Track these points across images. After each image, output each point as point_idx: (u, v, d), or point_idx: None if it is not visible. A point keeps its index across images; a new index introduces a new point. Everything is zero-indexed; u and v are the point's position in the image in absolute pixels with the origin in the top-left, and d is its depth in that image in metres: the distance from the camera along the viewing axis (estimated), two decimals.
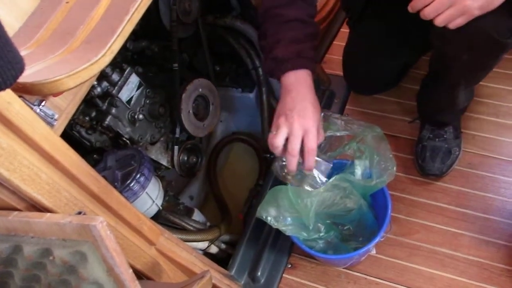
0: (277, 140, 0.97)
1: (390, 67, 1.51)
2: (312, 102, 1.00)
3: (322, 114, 1.09)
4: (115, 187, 1.05)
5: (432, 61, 1.33)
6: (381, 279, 1.30)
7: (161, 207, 1.14)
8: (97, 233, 0.62)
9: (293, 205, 1.04)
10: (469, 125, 1.49)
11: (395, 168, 1.11)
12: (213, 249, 1.36)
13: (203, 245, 1.32)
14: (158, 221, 1.23)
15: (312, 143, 0.98)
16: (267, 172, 1.47)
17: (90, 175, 0.80)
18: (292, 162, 0.98)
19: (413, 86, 1.59)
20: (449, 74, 1.19)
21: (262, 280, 1.33)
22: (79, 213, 0.68)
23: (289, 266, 1.35)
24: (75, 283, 0.65)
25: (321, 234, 1.15)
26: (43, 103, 0.80)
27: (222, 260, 1.36)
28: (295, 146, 0.97)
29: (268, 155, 1.54)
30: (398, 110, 1.57)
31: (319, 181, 1.08)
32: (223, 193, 1.52)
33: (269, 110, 1.44)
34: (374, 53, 1.43)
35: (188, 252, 1.13)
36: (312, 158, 0.99)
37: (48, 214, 0.68)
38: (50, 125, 0.84)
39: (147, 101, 1.16)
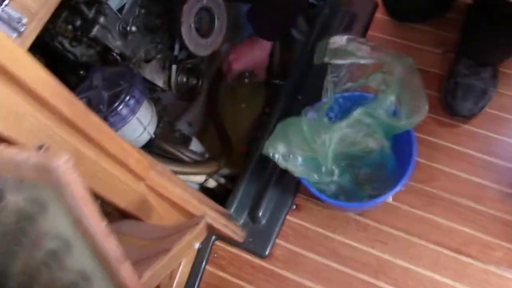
0: None
1: None
2: None
3: (345, 37, 0.93)
4: (100, 110, 0.90)
5: None
6: (394, 229, 1.18)
7: (153, 135, 1.00)
8: (59, 176, 0.47)
9: (308, 142, 0.90)
10: (506, 62, 1.32)
11: (427, 108, 0.96)
12: (211, 184, 1.23)
13: (200, 178, 1.19)
14: (151, 151, 1.09)
15: None
16: (276, 100, 1.31)
17: (63, 96, 0.64)
18: None
19: (450, 14, 1.39)
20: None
21: (263, 221, 1.20)
22: (41, 147, 0.53)
23: (294, 207, 1.22)
24: (34, 236, 0.51)
25: (334, 178, 1.01)
26: (5, 2, 0.65)
27: (220, 196, 1.23)
28: None
29: (278, 81, 1.38)
30: (427, 40, 1.38)
31: None
32: (225, 121, 1.36)
33: None
34: None
35: (182, 188, 1.00)
36: None
37: (2, 145, 0.53)
38: (16, 31, 0.69)
39: (142, 11, 0.98)
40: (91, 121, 0.72)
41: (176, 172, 1.12)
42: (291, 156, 0.93)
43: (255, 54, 1.21)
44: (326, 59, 1.02)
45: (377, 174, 1.07)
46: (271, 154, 0.94)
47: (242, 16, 1.37)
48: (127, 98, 0.89)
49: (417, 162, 1.22)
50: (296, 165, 0.94)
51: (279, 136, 0.94)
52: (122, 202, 0.87)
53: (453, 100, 1.25)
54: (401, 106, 0.99)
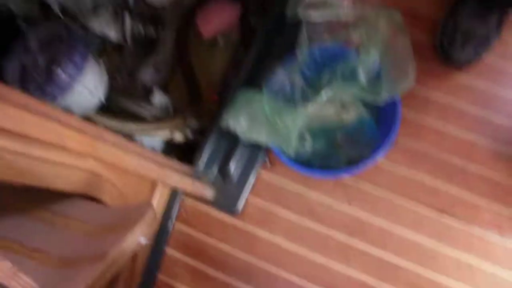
0: None
1: None
2: None
3: None
4: (34, 80, 0.78)
5: None
6: (375, 187, 1.09)
7: (103, 99, 0.88)
8: None
9: (270, 123, 0.79)
10: None
11: (414, 75, 0.84)
12: (178, 137, 1.13)
13: (164, 134, 1.09)
14: (109, 109, 0.99)
15: None
16: (252, 40, 1.16)
17: None
18: None
19: None
20: None
21: (235, 177, 1.12)
22: None
23: (267, 162, 1.13)
24: None
25: (306, 145, 0.91)
26: None
27: (189, 150, 1.14)
28: None
29: (254, 19, 1.22)
30: None
31: None
32: (194, 66, 1.22)
33: None
34: None
35: (137, 154, 0.90)
36: None
37: None
38: None
39: None
40: (8, 115, 0.61)
41: (136, 131, 1.02)
42: (255, 130, 0.82)
43: (224, 18, 1.07)
44: (300, 11, 0.88)
45: (356, 137, 0.97)
46: (232, 127, 0.83)
47: None
48: (66, 63, 0.76)
49: (404, 116, 1.11)
50: (261, 137, 0.84)
51: (241, 108, 0.83)
52: (68, 186, 0.78)
53: (450, 46, 1.10)
54: (384, 68, 0.87)
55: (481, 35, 1.08)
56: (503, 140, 1.09)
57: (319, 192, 1.11)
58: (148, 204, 0.79)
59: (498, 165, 1.08)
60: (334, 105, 0.84)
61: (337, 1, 0.86)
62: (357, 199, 1.09)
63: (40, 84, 0.76)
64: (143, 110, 1.03)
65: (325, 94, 0.81)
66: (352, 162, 0.98)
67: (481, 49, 1.09)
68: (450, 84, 1.12)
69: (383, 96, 0.82)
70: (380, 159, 1.09)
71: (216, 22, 1.10)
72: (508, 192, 1.07)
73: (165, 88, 1.26)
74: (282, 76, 0.93)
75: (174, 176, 1.00)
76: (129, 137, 1.05)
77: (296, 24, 0.94)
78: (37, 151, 0.69)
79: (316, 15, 0.88)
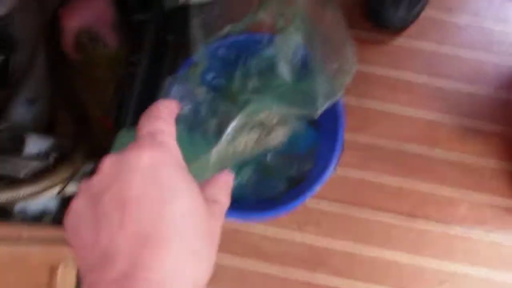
0: None
1: None
2: None
3: None
4: None
5: None
6: (328, 203, 0.88)
7: None
8: None
9: None
10: None
11: (355, 59, 0.62)
12: (74, 188, 0.88)
13: (53, 192, 0.84)
14: None
15: None
16: (141, 43, 0.92)
17: None
18: None
19: None
20: None
21: None
22: None
23: None
24: None
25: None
26: None
27: None
28: None
29: (139, 15, 0.98)
30: None
31: None
32: (78, 88, 0.97)
33: None
34: None
35: (12, 241, 0.66)
36: None
37: None
38: None
39: None
40: None
41: (9, 202, 0.76)
42: None
43: (92, 6, 0.83)
44: None
45: (291, 151, 0.75)
46: None
47: None
48: None
49: (347, 105, 0.91)
50: None
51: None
52: None
53: (379, 5, 0.90)
54: (314, 56, 0.66)
55: None
56: (463, 111, 0.91)
57: (264, 224, 0.89)
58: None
59: (465, 144, 0.89)
60: (254, 130, 0.62)
61: None
62: (308, 222, 0.88)
63: None
64: (14, 170, 0.77)
65: (238, 122, 0.58)
66: (294, 180, 0.77)
67: (416, 6, 0.89)
68: (391, 54, 0.92)
69: (320, 104, 0.60)
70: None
71: (82, 12, 0.85)
72: (483, 175, 0.89)
73: (50, 123, 1.01)
74: (180, 93, 0.70)
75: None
76: (6, 209, 0.79)
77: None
78: None
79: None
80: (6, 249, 0.64)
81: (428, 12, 0.93)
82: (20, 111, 0.92)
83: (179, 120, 0.65)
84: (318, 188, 0.69)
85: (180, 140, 0.55)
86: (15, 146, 0.82)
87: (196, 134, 0.66)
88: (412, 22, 0.92)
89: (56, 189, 0.84)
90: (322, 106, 0.58)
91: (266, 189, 0.76)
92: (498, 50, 0.92)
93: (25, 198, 0.78)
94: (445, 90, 0.91)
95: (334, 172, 0.71)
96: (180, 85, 0.69)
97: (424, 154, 0.89)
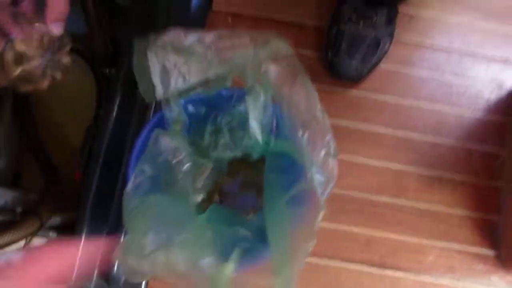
0: None
1: None
2: None
3: (170, 43, 0.58)
4: None
5: None
6: None
7: None
8: None
9: None
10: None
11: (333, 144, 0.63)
12: (40, 242, 0.86)
13: (18, 245, 0.81)
14: None
15: None
16: (110, 95, 0.92)
17: None
18: None
19: None
20: None
21: (120, 283, 0.86)
22: None
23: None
24: None
25: None
26: None
27: None
28: None
29: (107, 70, 0.98)
30: None
31: None
32: (46, 140, 0.96)
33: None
34: None
35: None
36: None
37: None
38: None
39: None
40: None
41: None
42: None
43: None
44: (159, 94, 0.65)
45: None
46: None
47: None
48: None
49: None
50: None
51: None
52: None
53: (335, 56, 0.93)
54: (292, 132, 0.66)
55: (370, 39, 0.92)
56: (429, 161, 0.93)
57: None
58: None
59: (432, 194, 0.91)
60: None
61: (199, 42, 0.63)
62: None
63: None
64: None
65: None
66: None
67: (372, 56, 0.93)
68: (356, 107, 0.95)
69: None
70: None
71: None
72: (450, 223, 0.91)
73: (17, 175, 0.99)
74: (169, 146, 0.70)
75: None
76: None
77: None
78: None
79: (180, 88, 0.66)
80: None
81: (390, 66, 0.96)
82: None
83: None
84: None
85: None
86: None
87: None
88: (369, 73, 0.94)
89: (22, 243, 0.82)
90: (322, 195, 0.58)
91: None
92: (457, 102, 0.96)
93: None
94: (411, 141, 0.94)
95: None
96: (169, 137, 0.69)
97: (393, 204, 0.90)
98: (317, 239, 0.85)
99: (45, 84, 0.65)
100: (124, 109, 0.90)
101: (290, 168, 0.66)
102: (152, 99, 0.66)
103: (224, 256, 0.59)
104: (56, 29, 0.59)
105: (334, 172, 0.56)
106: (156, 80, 0.64)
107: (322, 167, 0.56)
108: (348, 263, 0.88)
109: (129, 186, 0.68)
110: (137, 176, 0.70)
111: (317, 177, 0.56)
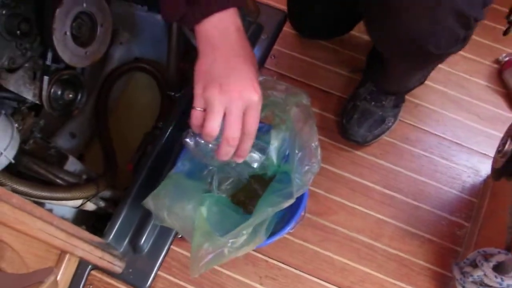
0: (213, 124, 0.69)
1: (340, 12, 1.22)
2: (252, 61, 0.72)
3: None
4: None
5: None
6: (285, 264, 1.10)
7: (13, 159, 0.85)
8: None
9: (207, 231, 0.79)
10: (415, 92, 1.27)
11: (319, 166, 0.87)
12: (90, 207, 1.09)
13: (74, 203, 1.05)
14: (19, 172, 0.95)
15: (254, 125, 0.72)
16: (170, 113, 1.19)
17: None
18: (229, 152, 0.73)
19: (360, 35, 1.33)
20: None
21: (145, 250, 1.08)
22: None
23: (180, 236, 1.11)
24: None
25: None
26: None
27: (103, 217, 1.10)
28: (236, 132, 0.70)
29: (173, 94, 1.25)
30: (334, 59, 1.31)
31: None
32: (112, 135, 1.22)
33: (178, 38, 1.14)
34: None
35: (45, 221, 0.86)
36: (249, 143, 0.74)
37: None
38: None
39: (3, 11, 0.83)
40: None
41: (45, 198, 0.98)
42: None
43: None
44: None
45: None
46: (152, 210, 0.83)
47: None
48: None
49: (315, 192, 1.16)
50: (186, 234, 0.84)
51: (168, 193, 0.84)
52: None
53: (347, 123, 1.19)
54: (293, 151, 0.90)
55: (377, 117, 1.17)
56: (407, 219, 1.15)
57: (232, 269, 1.10)
58: (49, 269, 0.74)
59: (403, 243, 1.13)
60: None
61: None
62: (269, 276, 1.09)
63: None
64: (53, 177, 1.00)
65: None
66: None
67: (376, 129, 1.18)
68: (357, 163, 1.20)
69: (294, 192, 0.84)
70: (292, 235, 1.11)
71: None
72: (412, 270, 1.11)
73: (81, 155, 1.24)
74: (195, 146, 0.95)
75: (83, 246, 0.96)
76: (38, 203, 1.00)
77: None
78: None
79: None
80: (39, 224, 0.84)
81: (391, 138, 1.21)
82: (64, 140, 1.16)
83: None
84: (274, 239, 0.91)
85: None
86: (59, 161, 1.05)
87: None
88: (372, 141, 1.19)
89: (79, 202, 1.06)
90: (297, 193, 0.82)
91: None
92: (439, 178, 1.18)
93: (56, 199, 0.99)
94: (395, 199, 1.16)
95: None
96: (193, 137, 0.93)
97: (369, 244, 1.12)
98: (303, 256, 1.08)
99: None
100: (178, 127, 1.15)
101: (287, 180, 0.90)
102: None
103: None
104: None
105: (309, 182, 0.80)
106: None
107: (302, 176, 0.79)
108: (324, 282, 1.09)
109: (173, 171, 0.94)
110: (178, 167, 0.96)
111: (296, 181, 0.79)
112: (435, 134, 1.23)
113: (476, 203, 1.17)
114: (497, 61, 1.31)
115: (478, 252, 0.88)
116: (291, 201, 0.78)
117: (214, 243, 0.74)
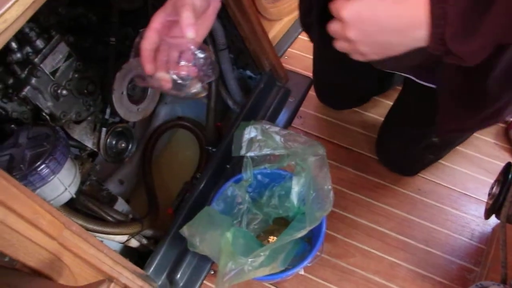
0: None
1: (362, 86, 1.39)
2: None
3: (260, 126, 1.02)
4: (20, 169, 0.93)
5: None
6: None
7: (74, 195, 1.02)
8: None
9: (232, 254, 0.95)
10: None
11: (330, 206, 1.01)
12: (134, 243, 1.25)
13: (121, 238, 1.21)
14: (76, 208, 1.12)
15: None
16: (207, 165, 1.36)
17: None
18: None
19: (378, 98, 1.50)
20: None
21: (181, 284, 1.22)
22: None
23: (212, 272, 1.25)
24: None
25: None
26: None
27: (144, 254, 1.25)
28: None
29: (210, 148, 1.43)
30: (355, 120, 1.47)
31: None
32: (155, 182, 1.39)
33: (216, 100, 1.33)
34: (342, 72, 1.27)
35: (97, 248, 1.02)
36: None
37: None
38: None
39: (76, 75, 1.03)
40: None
41: (96, 231, 1.14)
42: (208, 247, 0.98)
43: None
44: (243, 152, 1.09)
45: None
46: (187, 236, 0.99)
47: None
48: (48, 159, 0.92)
49: (334, 237, 1.28)
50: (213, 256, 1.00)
51: (200, 224, 1.00)
52: (31, 261, 0.88)
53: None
54: (308, 197, 1.05)
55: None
56: (419, 263, 1.26)
57: None
58: (102, 281, 0.89)
59: (415, 285, 1.23)
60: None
61: (271, 139, 1.08)
62: None
63: (25, 173, 0.91)
64: (104, 214, 1.16)
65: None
66: None
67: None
68: (373, 211, 1.32)
69: (308, 225, 0.98)
70: (312, 274, 1.23)
71: None
72: None
73: (127, 200, 1.41)
74: (231, 192, 1.11)
75: (127, 274, 1.10)
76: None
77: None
78: (14, 224, 0.81)
79: (255, 155, 1.10)
80: (92, 250, 1.00)
81: (405, 190, 1.34)
82: (114, 185, 1.33)
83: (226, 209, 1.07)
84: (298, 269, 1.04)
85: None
86: (109, 201, 1.22)
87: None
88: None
89: (125, 238, 1.22)
90: (309, 227, 0.97)
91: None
92: (450, 226, 1.29)
93: (106, 233, 1.15)
94: (408, 244, 1.27)
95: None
96: (234, 187, 1.09)
97: (384, 285, 1.23)
98: None
99: None
100: (214, 178, 1.31)
101: (305, 220, 1.03)
102: (238, 154, 1.08)
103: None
104: None
105: (321, 217, 0.95)
106: (244, 144, 1.07)
107: (315, 212, 0.94)
108: None
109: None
110: (213, 206, 1.12)
111: (310, 217, 0.94)
112: (446, 186, 1.35)
113: (485, 249, 1.26)
114: (504, 121, 1.44)
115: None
116: (304, 232, 0.92)
117: (236, 261, 0.89)
